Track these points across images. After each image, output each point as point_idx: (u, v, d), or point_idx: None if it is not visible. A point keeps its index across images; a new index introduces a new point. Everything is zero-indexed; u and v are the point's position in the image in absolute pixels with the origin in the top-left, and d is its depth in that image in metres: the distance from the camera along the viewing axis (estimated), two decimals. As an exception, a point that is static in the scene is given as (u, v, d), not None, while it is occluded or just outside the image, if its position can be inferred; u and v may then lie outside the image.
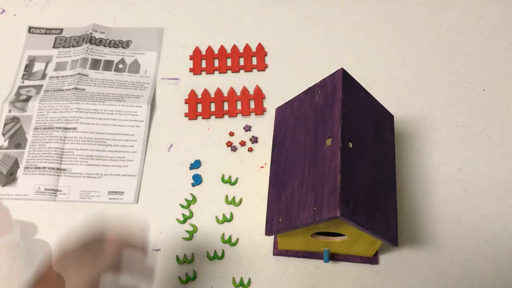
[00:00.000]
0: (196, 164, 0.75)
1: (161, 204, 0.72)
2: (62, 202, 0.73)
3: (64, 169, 0.74)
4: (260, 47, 0.84)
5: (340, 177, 0.52)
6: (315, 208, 0.53)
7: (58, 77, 0.82)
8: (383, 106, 0.65)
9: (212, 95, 0.80)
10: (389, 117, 0.65)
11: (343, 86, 0.57)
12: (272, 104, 0.77)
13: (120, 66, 0.83)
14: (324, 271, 0.67)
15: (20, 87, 0.81)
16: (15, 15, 0.89)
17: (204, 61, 0.83)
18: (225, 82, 0.81)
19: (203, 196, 0.72)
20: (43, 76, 0.82)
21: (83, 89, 0.79)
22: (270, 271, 0.67)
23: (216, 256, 0.68)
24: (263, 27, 0.86)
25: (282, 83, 0.81)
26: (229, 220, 0.70)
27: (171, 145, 0.77)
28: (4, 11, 0.89)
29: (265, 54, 0.83)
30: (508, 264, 0.66)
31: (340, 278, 0.66)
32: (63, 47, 0.85)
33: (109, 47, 0.85)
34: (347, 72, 0.59)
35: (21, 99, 0.80)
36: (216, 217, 0.71)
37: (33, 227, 0.70)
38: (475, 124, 0.76)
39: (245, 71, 0.82)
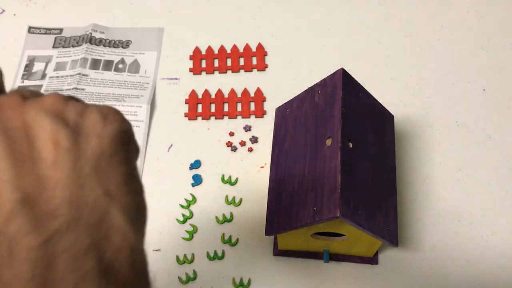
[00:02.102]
0: (196, 164, 0.74)
1: (161, 204, 0.72)
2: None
3: (64, 169, 0.74)
4: (260, 47, 0.84)
5: (340, 177, 0.52)
6: (315, 208, 0.53)
7: (58, 77, 0.82)
8: (383, 106, 0.65)
9: (213, 96, 0.80)
10: (389, 117, 0.65)
11: (343, 86, 0.57)
12: (272, 105, 0.77)
13: (120, 66, 0.83)
14: (324, 271, 0.67)
15: (20, 87, 0.81)
16: (15, 15, 0.89)
17: (204, 61, 0.83)
18: (225, 82, 0.81)
19: (203, 196, 0.72)
20: (43, 76, 0.82)
21: (83, 89, 0.79)
22: (270, 271, 0.67)
23: (216, 256, 0.68)
24: (263, 27, 0.86)
25: (282, 83, 0.81)
26: (229, 220, 0.70)
27: (171, 145, 0.76)
28: (4, 11, 0.89)
29: (265, 54, 0.83)
30: (508, 264, 0.66)
31: (340, 278, 0.66)
32: (63, 47, 0.85)
33: (109, 47, 0.85)
34: (347, 72, 0.59)
35: (21, 99, 0.79)
36: (216, 217, 0.71)
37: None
38: (475, 124, 0.76)
39: (245, 71, 0.82)
